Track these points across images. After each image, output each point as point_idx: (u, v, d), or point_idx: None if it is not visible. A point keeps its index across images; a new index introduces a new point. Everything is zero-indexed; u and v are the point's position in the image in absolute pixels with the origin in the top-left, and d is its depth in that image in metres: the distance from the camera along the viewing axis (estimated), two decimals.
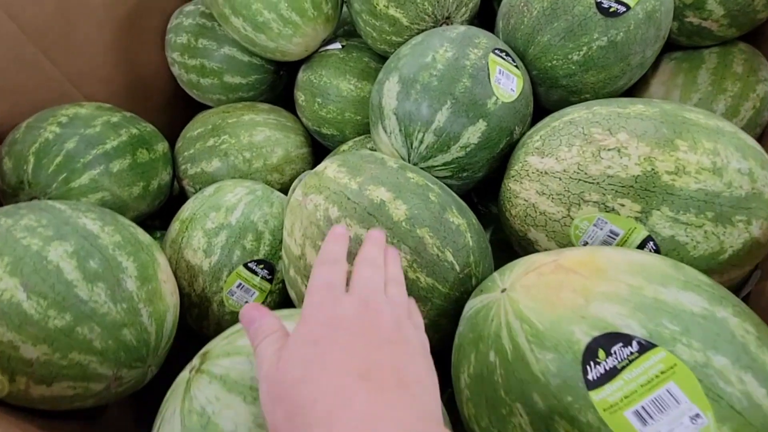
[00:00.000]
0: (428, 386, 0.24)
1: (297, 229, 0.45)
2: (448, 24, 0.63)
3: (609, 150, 0.40)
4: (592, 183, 0.40)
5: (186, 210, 0.58)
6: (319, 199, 0.44)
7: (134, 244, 0.48)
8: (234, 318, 0.56)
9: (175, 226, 0.58)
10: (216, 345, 0.33)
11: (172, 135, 0.84)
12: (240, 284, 0.55)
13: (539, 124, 0.49)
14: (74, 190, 0.58)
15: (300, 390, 0.22)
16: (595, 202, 0.40)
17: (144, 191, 0.66)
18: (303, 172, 0.78)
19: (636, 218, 0.39)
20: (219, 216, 0.56)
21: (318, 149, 0.84)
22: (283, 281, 0.58)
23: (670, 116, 0.40)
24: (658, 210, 0.38)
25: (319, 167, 0.48)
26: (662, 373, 0.24)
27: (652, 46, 0.56)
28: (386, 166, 0.45)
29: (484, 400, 0.31)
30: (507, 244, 0.59)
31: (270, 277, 0.56)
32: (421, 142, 0.50)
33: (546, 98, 0.62)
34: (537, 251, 0.46)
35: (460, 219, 0.42)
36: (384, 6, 0.61)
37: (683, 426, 0.24)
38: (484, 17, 0.77)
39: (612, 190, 0.40)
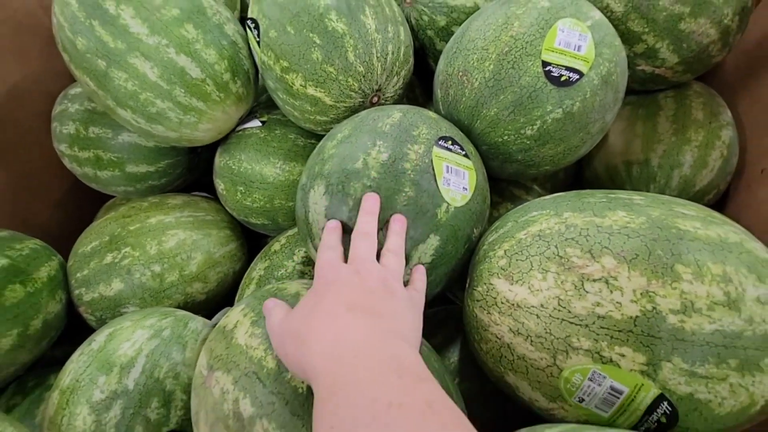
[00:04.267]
0: (404, 319, 0.31)
1: (202, 420, 0.33)
2: (379, 98, 0.54)
3: (594, 281, 0.31)
4: (580, 325, 0.31)
5: (67, 373, 0.45)
6: (226, 381, 0.32)
7: None
8: None
9: (54, 397, 0.44)
10: None
11: (73, 233, 0.70)
12: None
13: (501, 229, 0.40)
14: None
15: (304, 324, 0.29)
16: (586, 350, 0.31)
17: (21, 339, 0.52)
18: (231, 273, 0.65)
19: (642, 372, 0.30)
20: (111, 380, 0.43)
21: (250, 237, 0.72)
22: None
23: (661, 228, 0.32)
24: (669, 362, 0.29)
25: (229, 322, 0.37)
26: None
27: (611, 110, 0.49)
28: None
29: None
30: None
31: None
32: None
33: (500, 171, 0.53)
34: (520, 397, 0.36)
35: None
36: (301, 86, 0.51)
37: None
38: (421, 75, 0.69)
39: (606, 335, 0.31)
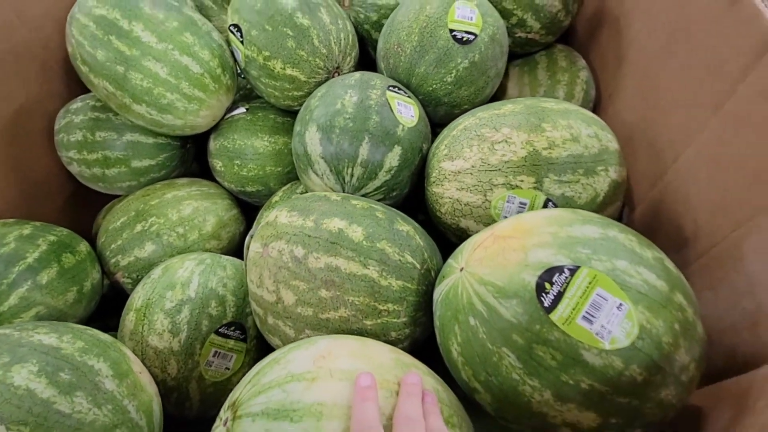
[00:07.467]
0: None
1: (266, 278, 0.48)
2: (339, 73, 0.72)
3: (499, 143, 0.52)
4: (496, 170, 0.51)
5: (137, 298, 0.57)
6: (280, 244, 0.48)
7: (99, 345, 0.47)
8: (217, 389, 0.56)
9: (129, 317, 0.56)
10: (242, 391, 0.35)
11: (82, 234, 0.80)
12: (216, 352, 0.55)
13: (440, 136, 0.60)
14: (4, 313, 0.54)
15: None
16: (502, 184, 0.51)
17: (79, 295, 0.63)
18: (238, 233, 0.80)
19: (534, 188, 0.50)
20: (176, 293, 0.56)
21: (245, 209, 0.86)
22: (257, 337, 0.59)
23: (532, 108, 0.53)
24: (547, 177, 0.50)
25: (269, 218, 0.52)
26: (590, 283, 0.33)
27: (501, 59, 0.71)
28: (331, 200, 0.51)
29: (476, 358, 0.38)
30: (440, 241, 0.68)
31: (243, 336, 0.58)
32: (352, 175, 0.57)
33: (434, 115, 0.74)
34: (470, 236, 0.55)
35: (407, 226, 0.50)
36: (281, 68, 0.68)
37: (615, 315, 0.33)
38: (362, 64, 0.89)
39: (511, 171, 0.51)
